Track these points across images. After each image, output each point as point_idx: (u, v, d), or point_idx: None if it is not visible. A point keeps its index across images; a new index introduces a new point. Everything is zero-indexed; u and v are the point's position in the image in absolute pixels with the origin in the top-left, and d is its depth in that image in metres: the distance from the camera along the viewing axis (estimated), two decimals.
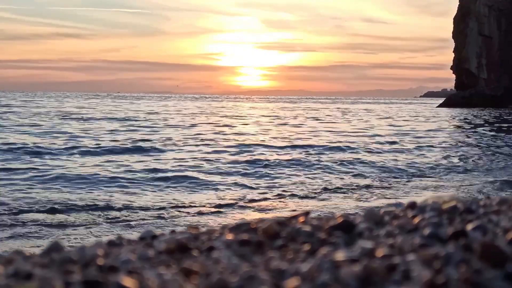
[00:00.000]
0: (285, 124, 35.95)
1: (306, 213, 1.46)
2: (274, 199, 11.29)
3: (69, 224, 9.01)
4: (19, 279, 0.97)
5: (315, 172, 14.80)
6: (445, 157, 18.40)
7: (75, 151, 18.08)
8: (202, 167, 15.21)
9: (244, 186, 12.64)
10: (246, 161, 16.25)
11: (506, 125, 35.64)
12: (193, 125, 32.10)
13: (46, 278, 0.95)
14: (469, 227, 1.25)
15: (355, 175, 14.46)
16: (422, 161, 17.57)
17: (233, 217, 9.70)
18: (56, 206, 9.96)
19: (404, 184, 13.43)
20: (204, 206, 10.41)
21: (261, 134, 26.49)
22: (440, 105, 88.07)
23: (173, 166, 15.11)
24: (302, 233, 1.25)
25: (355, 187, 12.79)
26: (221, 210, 10.18)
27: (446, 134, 28.61)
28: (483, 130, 30.59)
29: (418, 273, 0.94)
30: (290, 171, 14.84)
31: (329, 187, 12.71)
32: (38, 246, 7.62)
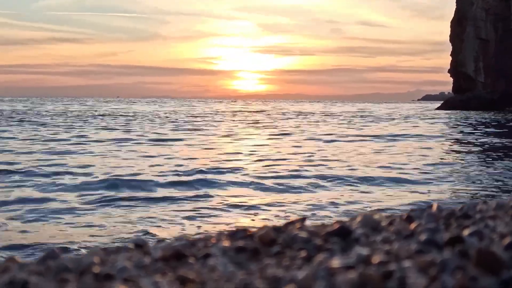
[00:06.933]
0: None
1: (303, 219, 1.46)
2: None
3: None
4: (15, 287, 0.96)
5: None
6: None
7: None
8: None
9: None
10: None
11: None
12: None
13: (41, 287, 0.95)
14: (466, 232, 1.25)
15: None
16: None
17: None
18: None
19: None
20: None
21: None
22: (439, 108, 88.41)
23: None
24: (299, 239, 1.25)
25: None
26: None
27: None
28: None
29: (414, 280, 0.94)
30: None
31: None
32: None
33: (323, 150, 22.09)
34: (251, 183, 13.73)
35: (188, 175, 14.64)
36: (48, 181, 13.33)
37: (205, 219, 9.92)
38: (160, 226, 9.27)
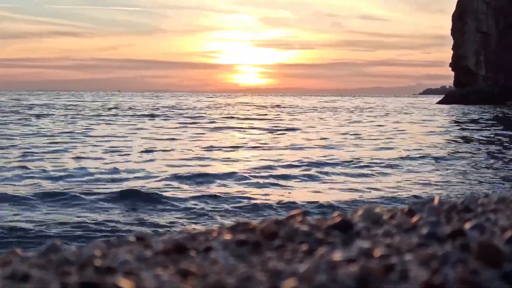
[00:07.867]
0: None
1: (304, 213, 1.46)
2: None
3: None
4: (16, 280, 0.96)
5: None
6: None
7: None
8: None
9: None
10: None
11: None
12: None
13: (43, 280, 0.95)
14: (467, 226, 1.25)
15: None
16: None
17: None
18: None
19: None
20: None
21: None
22: (439, 102, 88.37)
23: None
24: (300, 233, 1.25)
25: None
26: None
27: None
28: None
29: (415, 273, 0.94)
30: None
31: None
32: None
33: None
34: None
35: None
36: None
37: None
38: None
